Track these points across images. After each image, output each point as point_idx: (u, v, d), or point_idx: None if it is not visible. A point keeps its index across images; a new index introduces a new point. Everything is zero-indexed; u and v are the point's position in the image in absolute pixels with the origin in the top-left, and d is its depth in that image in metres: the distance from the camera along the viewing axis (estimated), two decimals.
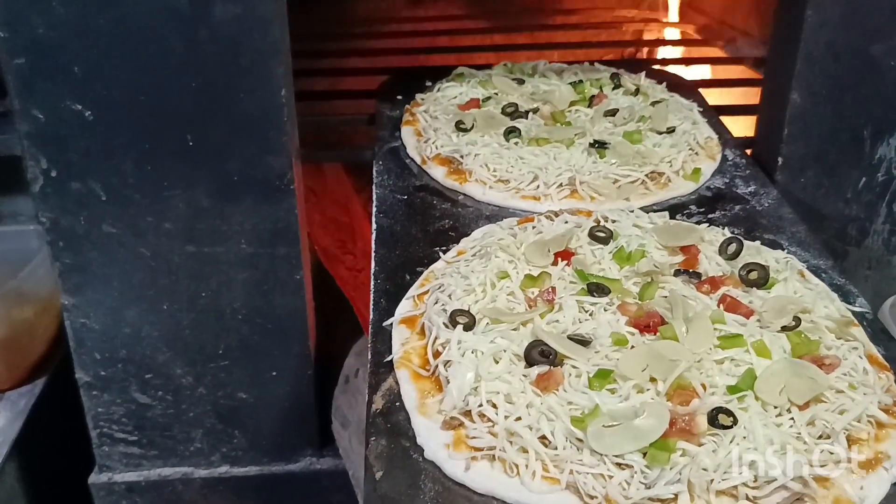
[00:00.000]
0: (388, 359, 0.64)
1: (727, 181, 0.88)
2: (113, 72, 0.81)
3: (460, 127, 0.97)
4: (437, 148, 0.95)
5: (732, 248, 0.71)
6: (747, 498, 0.51)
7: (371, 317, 0.69)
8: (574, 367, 0.59)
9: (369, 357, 0.65)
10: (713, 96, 1.17)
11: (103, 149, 0.85)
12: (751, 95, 1.33)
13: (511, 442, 0.54)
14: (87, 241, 0.90)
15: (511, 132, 0.94)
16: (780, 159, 0.92)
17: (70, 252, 0.90)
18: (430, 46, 1.42)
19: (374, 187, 0.93)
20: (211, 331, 0.96)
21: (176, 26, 0.79)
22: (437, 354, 0.62)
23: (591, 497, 0.51)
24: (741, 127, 1.07)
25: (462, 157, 0.92)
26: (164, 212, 0.89)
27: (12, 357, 1.17)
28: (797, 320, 0.64)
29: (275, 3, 0.80)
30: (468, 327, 0.63)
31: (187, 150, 0.86)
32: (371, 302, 0.71)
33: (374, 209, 0.87)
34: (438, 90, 1.10)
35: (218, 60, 0.81)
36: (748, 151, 0.97)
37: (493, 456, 0.54)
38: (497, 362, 0.60)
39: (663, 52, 1.58)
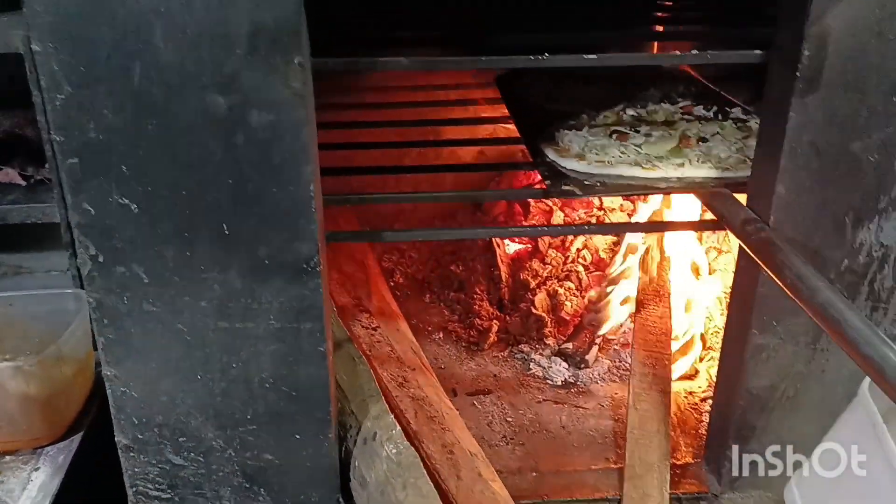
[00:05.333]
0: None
1: None
2: (157, 170, 0.90)
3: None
4: None
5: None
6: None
7: None
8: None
9: None
10: None
11: (147, 237, 0.93)
12: None
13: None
14: (130, 319, 0.98)
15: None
16: None
17: (113, 328, 0.98)
18: (443, 118, 1.50)
19: None
20: (240, 398, 1.04)
21: (215, 132, 0.88)
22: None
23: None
24: None
25: None
26: (201, 292, 0.97)
27: (52, 415, 1.25)
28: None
29: (304, 109, 0.88)
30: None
31: (223, 237, 0.94)
32: None
33: None
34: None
35: (253, 160, 0.90)
36: None
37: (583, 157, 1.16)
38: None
39: None
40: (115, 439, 1.06)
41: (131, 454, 1.06)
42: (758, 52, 0.98)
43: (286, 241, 0.95)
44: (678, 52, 1.32)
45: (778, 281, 0.84)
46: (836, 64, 0.90)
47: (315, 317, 1.00)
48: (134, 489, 1.09)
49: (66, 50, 0.82)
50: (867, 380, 0.92)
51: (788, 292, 0.82)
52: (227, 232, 0.94)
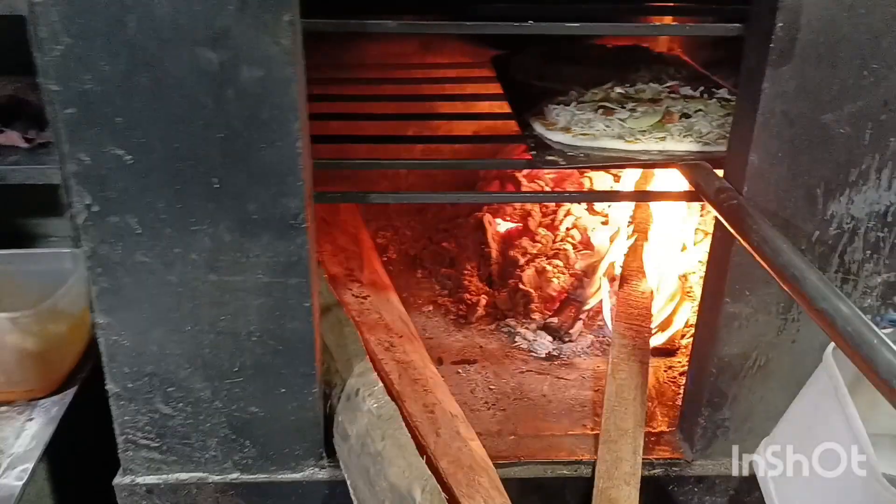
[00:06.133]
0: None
1: None
2: (150, 122, 0.93)
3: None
4: None
5: None
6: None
7: None
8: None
9: None
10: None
11: (139, 188, 0.97)
12: None
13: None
14: (122, 269, 1.01)
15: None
16: None
17: (106, 277, 1.02)
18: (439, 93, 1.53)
19: None
20: (228, 350, 1.07)
21: (207, 86, 0.91)
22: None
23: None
24: None
25: None
26: (191, 244, 1.00)
27: (46, 368, 1.29)
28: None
29: (293, 67, 0.91)
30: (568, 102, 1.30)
31: (213, 191, 0.97)
32: None
33: None
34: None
35: (242, 115, 0.93)
36: None
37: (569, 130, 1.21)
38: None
39: None
40: (106, 387, 1.09)
41: (121, 402, 1.10)
42: (736, 24, 1.01)
43: (274, 196, 0.98)
44: (657, 24, 1.34)
45: (745, 243, 0.87)
46: (809, 36, 0.93)
47: (301, 272, 1.03)
48: (124, 437, 1.12)
49: (65, 0, 0.86)
50: (831, 345, 0.95)
51: (754, 254, 0.85)
52: (217, 186, 0.97)
